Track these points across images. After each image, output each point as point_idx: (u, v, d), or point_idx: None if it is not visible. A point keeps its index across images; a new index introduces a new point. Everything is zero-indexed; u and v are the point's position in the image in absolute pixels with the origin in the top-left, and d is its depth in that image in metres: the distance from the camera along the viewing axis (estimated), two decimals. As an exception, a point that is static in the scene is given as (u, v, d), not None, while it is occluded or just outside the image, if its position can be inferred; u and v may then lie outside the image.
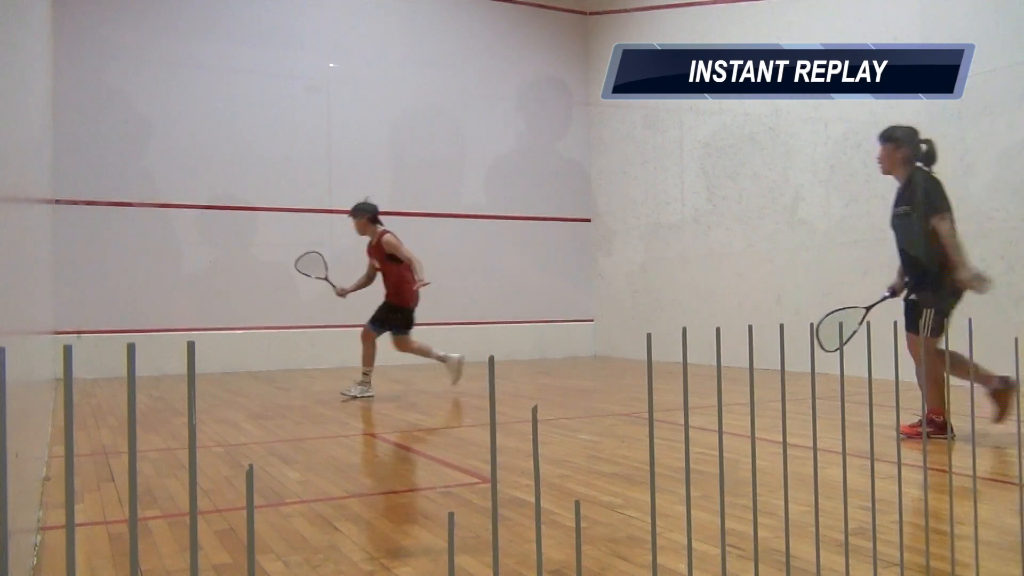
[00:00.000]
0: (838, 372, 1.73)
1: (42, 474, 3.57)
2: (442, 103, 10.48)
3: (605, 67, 11.71)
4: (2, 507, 0.76)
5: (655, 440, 1.31)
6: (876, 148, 4.74)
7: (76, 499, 3.20)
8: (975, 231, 6.72)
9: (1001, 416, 3.99)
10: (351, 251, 9.86)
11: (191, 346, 0.89)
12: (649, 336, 1.34)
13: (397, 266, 6.41)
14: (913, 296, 4.30)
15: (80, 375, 8.01)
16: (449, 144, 10.61)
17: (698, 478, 3.30)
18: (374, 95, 10.04)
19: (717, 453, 1.43)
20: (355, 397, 6.39)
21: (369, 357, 6.46)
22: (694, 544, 2.46)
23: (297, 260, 6.70)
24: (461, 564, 2.35)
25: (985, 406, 4.00)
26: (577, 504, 1.12)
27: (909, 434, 4.01)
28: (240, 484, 3.46)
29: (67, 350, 0.80)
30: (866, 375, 1.71)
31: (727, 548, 2.23)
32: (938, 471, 3.10)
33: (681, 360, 1.40)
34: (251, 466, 0.90)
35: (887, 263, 7.44)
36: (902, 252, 4.38)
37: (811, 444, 1.65)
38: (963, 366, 3.88)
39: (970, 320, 2.24)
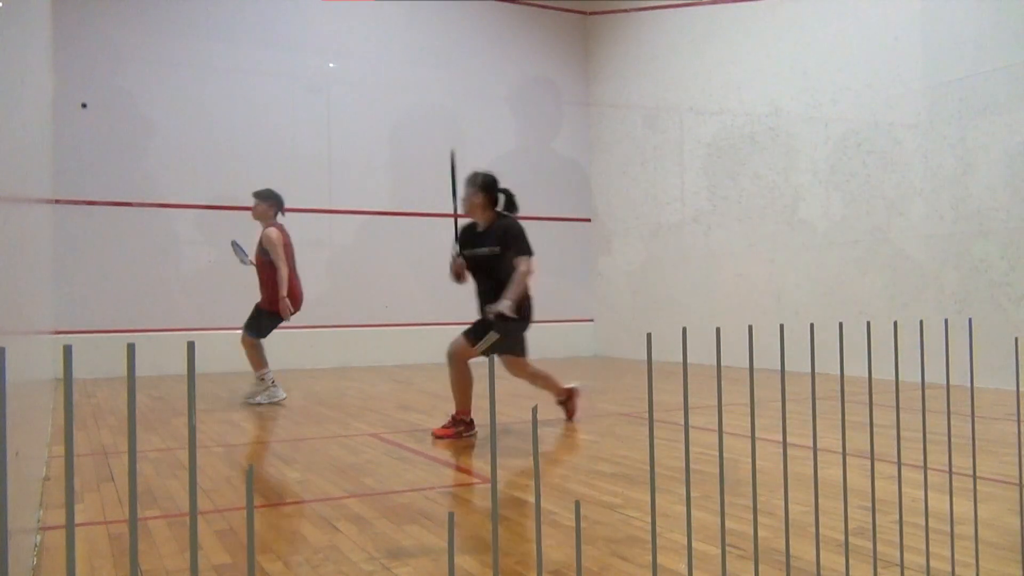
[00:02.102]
0: (838, 372, 1.73)
1: (42, 474, 3.57)
2: (442, 103, 10.48)
3: (605, 67, 11.75)
4: (2, 507, 0.76)
5: (655, 440, 1.31)
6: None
7: (76, 499, 3.20)
8: (975, 231, 6.73)
9: (571, 417, 5.29)
10: (351, 251, 9.89)
11: (191, 346, 0.89)
12: (649, 336, 1.34)
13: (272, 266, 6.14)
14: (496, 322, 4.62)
15: (80, 375, 8.01)
16: (449, 144, 10.58)
17: (698, 478, 3.29)
18: (374, 95, 10.04)
19: (717, 453, 1.43)
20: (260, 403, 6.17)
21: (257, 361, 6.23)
22: (694, 544, 2.46)
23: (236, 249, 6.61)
24: (461, 564, 2.35)
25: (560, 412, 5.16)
26: (577, 504, 1.12)
27: (441, 435, 4.60)
28: (240, 484, 3.46)
29: (67, 350, 0.80)
30: (866, 375, 1.71)
31: (727, 548, 2.23)
32: (938, 471, 3.10)
33: (681, 360, 1.40)
34: (251, 466, 0.90)
35: (887, 263, 7.45)
36: (492, 284, 4.69)
37: (811, 444, 1.65)
38: (539, 379, 5.14)
39: (970, 320, 2.24)
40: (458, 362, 4.72)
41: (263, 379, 6.24)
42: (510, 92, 10.89)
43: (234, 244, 6.62)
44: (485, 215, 4.73)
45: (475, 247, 4.73)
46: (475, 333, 4.68)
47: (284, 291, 6.02)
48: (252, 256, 6.42)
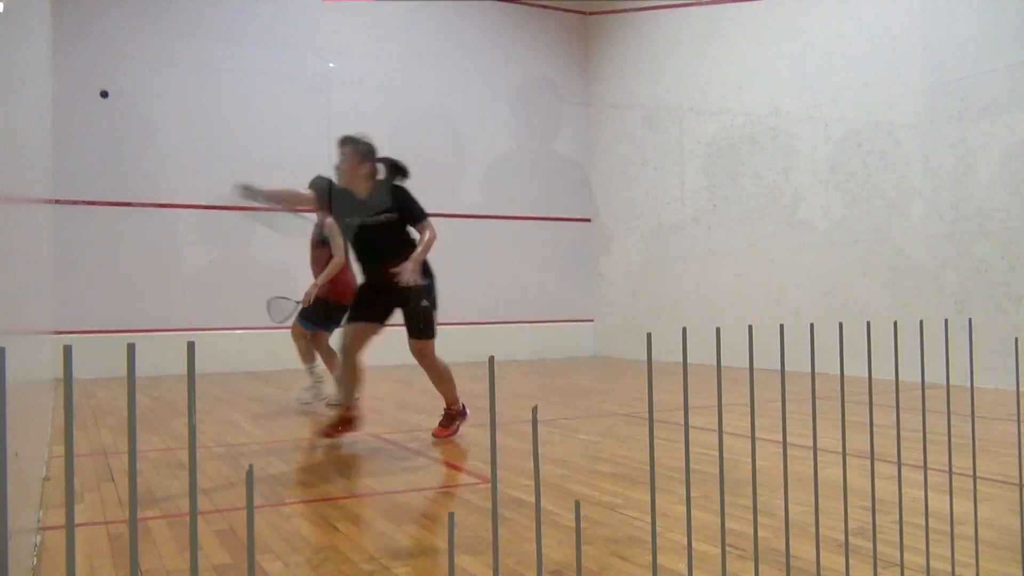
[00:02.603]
0: (838, 372, 1.73)
1: (42, 474, 3.57)
2: (442, 103, 10.48)
3: (605, 67, 11.73)
4: (2, 507, 0.76)
5: (655, 440, 1.31)
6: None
7: (76, 499, 3.20)
8: (975, 231, 6.73)
9: (451, 433, 4.70)
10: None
11: (191, 346, 0.89)
12: (649, 336, 1.34)
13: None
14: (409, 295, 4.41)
15: (80, 375, 8.01)
16: (449, 144, 10.61)
17: (698, 478, 3.29)
18: (374, 95, 10.03)
19: (717, 453, 1.43)
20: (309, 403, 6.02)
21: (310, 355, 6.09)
22: (694, 544, 2.46)
23: (269, 306, 6.15)
24: (461, 564, 2.35)
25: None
26: (577, 504, 1.12)
27: (329, 434, 4.44)
28: (240, 484, 3.46)
29: (67, 350, 0.80)
30: (866, 375, 1.71)
31: (727, 548, 2.23)
32: (938, 471, 3.10)
33: (681, 360, 1.40)
34: (251, 466, 0.90)
35: (887, 263, 7.45)
36: (379, 255, 4.41)
37: (811, 444, 1.65)
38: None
39: (970, 320, 2.24)
40: (354, 354, 4.43)
41: (312, 372, 6.06)
42: (510, 92, 10.89)
43: (274, 302, 6.12)
44: (366, 184, 4.46)
45: (357, 214, 4.43)
46: (378, 313, 4.44)
47: (328, 277, 5.80)
48: (310, 258, 6.08)
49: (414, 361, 4.63)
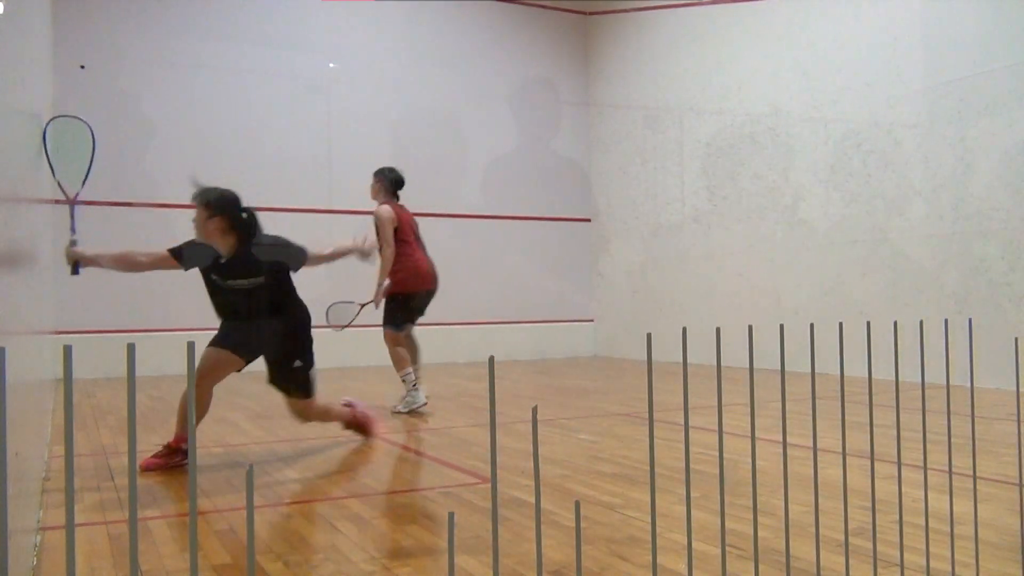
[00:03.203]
0: (838, 372, 1.73)
1: (42, 474, 3.57)
2: (442, 103, 10.48)
3: (605, 67, 11.74)
4: (2, 507, 0.76)
5: (655, 440, 1.31)
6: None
7: (76, 499, 3.20)
8: (975, 231, 6.73)
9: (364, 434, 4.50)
10: (351, 251, 9.88)
11: (191, 346, 0.89)
12: (649, 336, 1.34)
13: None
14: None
15: (80, 375, 8.01)
16: (449, 144, 10.61)
17: (698, 478, 3.29)
18: (374, 95, 10.04)
19: (717, 453, 1.43)
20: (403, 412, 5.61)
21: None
22: (694, 544, 2.46)
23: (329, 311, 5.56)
24: (461, 564, 2.35)
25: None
26: (577, 504, 1.12)
27: (150, 466, 3.75)
28: (240, 484, 3.46)
29: (67, 350, 0.80)
30: (866, 375, 1.71)
31: (727, 548, 2.23)
32: (938, 471, 3.10)
33: (681, 360, 1.40)
34: (251, 466, 0.90)
35: (887, 263, 7.45)
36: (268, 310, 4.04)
37: (811, 444, 1.65)
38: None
39: (970, 320, 2.24)
40: (210, 385, 3.93)
41: (404, 380, 5.61)
42: (510, 92, 10.89)
43: (335, 307, 5.57)
44: (226, 240, 3.93)
45: (230, 277, 3.93)
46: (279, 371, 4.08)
47: (387, 273, 5.55)
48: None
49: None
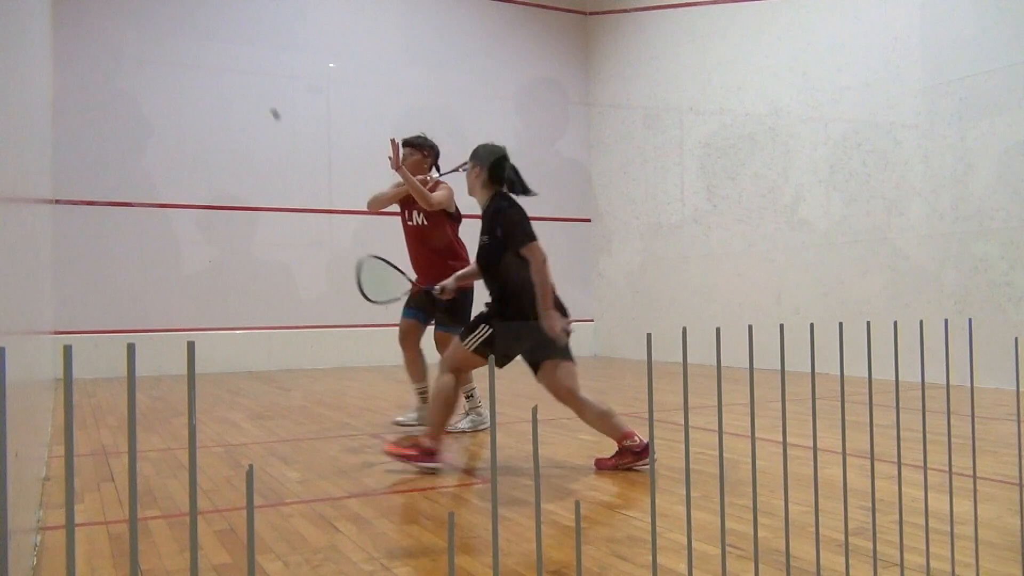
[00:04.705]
0: (838, 372, 1.73)
1: (42, 474, 3.57)
2: (442, 103, 10.48)
3: (605, 67, 11.72)
4: (2, 507, 0.76)
5: (655, 440, 1.31)
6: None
7: (76, 499, 3.20)
8: (975, 231, 6.73)
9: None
10: (351, 251, 9.88)
11: (191, 346, 0.89)
12: (649, 336, 1.34)
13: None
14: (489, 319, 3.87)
15: (80, 375, 8.01)
16: (449, 144, 10.60)
17: (698, 478, 3.29)
18: (374, 95, 10.04)
19: (717, 453, 1.43)
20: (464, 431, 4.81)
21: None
22: (694, 544, 2.46)
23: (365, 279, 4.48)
24: (461, 564, 2.35)
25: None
26: (577, 504, 1.12)
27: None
28: (240, 484, 3.46)
29: (67, 350, 0.80)
30: (866, 375, 1.71)
31: (727, 548, 2.23)
32: (938, 471, 3.10)
33: (681, 360, 1.40)
34: (251, 466, 0.90)
35: (887, 263, 7.45)
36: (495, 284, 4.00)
37: (811, 444, 1.65)
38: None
39: (970, 320, 2.24)
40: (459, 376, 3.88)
41: (470, 396, 4.84)
42: (511, 92, 10.89)
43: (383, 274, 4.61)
44: (482, 193, 4.03)
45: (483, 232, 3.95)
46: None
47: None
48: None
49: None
